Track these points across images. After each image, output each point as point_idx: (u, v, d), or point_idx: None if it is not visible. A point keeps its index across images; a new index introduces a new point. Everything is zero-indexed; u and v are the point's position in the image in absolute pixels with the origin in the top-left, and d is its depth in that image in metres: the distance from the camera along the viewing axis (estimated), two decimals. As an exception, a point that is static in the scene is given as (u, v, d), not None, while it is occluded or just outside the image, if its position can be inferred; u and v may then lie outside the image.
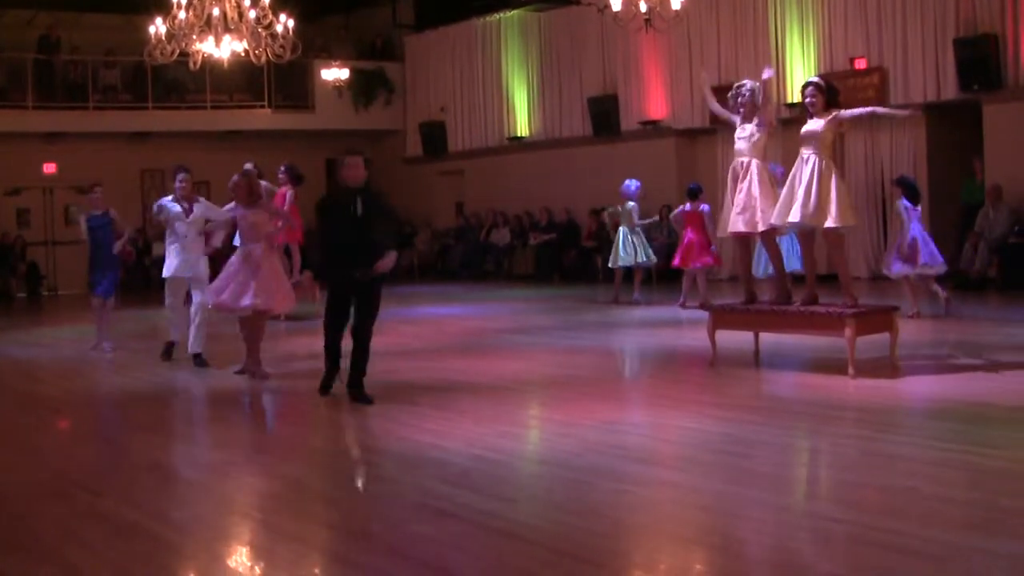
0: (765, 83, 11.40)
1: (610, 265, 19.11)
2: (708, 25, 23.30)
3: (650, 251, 19.02)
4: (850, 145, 21.31)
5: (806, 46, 21.78)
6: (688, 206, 17.43)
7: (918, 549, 5.56)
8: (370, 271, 10.20)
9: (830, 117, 10.77)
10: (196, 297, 13.11)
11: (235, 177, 12.07)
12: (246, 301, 11.54)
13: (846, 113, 10.98)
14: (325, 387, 10.64)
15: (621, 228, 18.80)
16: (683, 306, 17.39)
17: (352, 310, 10.43)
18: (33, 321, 21.15)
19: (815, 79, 11.40)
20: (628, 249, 18.62)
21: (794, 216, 10.71)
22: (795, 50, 21.90)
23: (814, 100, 10.84)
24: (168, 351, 13.55)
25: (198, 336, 13.06)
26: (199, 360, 12.96)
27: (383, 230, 10.49)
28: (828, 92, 10.90)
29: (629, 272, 19.02)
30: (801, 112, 12.23)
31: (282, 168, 18.11)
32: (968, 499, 6.50)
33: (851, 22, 21.14)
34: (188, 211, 13.25)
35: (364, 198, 10.33)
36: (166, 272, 13.39)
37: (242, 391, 11.42)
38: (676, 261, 17.67)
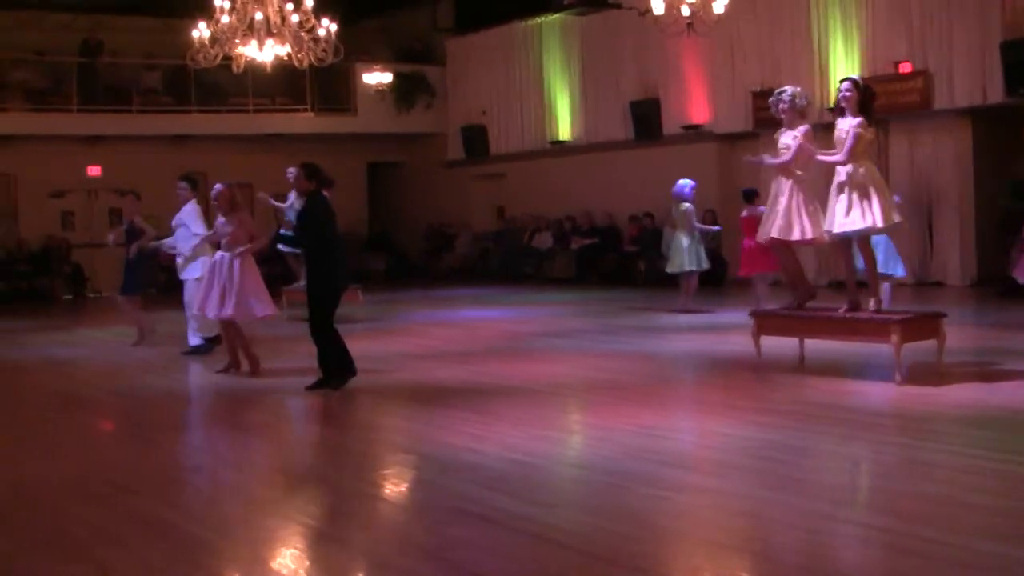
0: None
1: (669, 271, 18.14)
2: (749, 29, 23.15)
3: (704, 256, 18.07)
4: (893, 149, 21.17)
5: (849, 50, 21.59)
6: (745, 211, 16.38)
7: (956, 558, 5.49)
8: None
9: (856, 123, 10.60)
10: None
11: (219, 187, 12.60)
12: (226, 311, 12.27)
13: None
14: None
15: (678, 232, 17.87)
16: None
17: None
18: (75, 322, 21.23)
19: (853, 76, 11.26)
20: (690, 254, 17.68)
21: (843, 226, 10.61)
22: (838, 54, 21.72)
23: (848, 95, 10.68)
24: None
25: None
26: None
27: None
28: (864, 92, 10.75)
29: (675, 278, 18.19)
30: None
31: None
32: (1007, 508, 6.39)
33: (895, 25, 20.93)
34: None
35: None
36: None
37: (276, 392, 11.42)
38: (741, 270, 16.61)
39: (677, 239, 17.85)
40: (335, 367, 11.13)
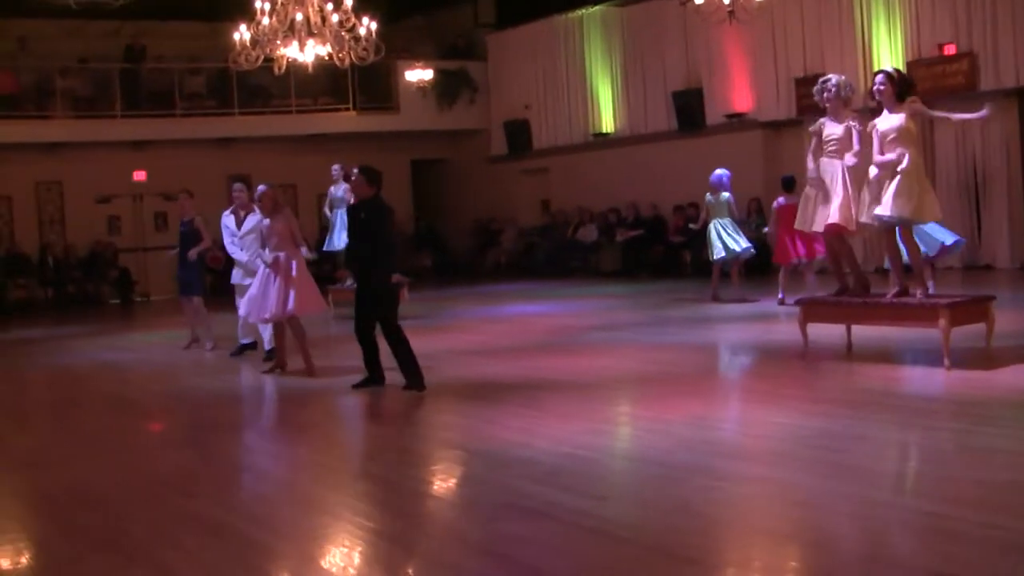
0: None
1: (715, 257, 17.67)
2: (792, 14, 22.98)
3: (745, 240, 17.77)
4: (940, 134, 20.96)
5: (893, 33, 21.40)
6: (783, 199, 16.24)
7: (1016, 543, 5.43)
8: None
9: (911, 110, 10.52)
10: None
11: (262, 187, 12.61)
12: (288, 308, 12.23)
13: (930, 113, 10.77)
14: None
15: (715, 221, 17.62)
16: (783, 303, 16.17)
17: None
18: (125, 326, 21.42)
19: (887, 68, 11.21)
20: (728, 240, 17.41)
21: (883, 211, 10.54)
22: (881, 38, 21.53)
23: (882, 88, 10.58)
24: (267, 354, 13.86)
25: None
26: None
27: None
28: (899, 83, 10.66)
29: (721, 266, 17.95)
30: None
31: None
32: (1070, 492, 6.32)
33: (939, 7, 20.73)
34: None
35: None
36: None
37: (325, 391, 11.45)
38: (804, 254, 16.16)
39: (721, 226, 17.61)
40: (411, 368, 10.90)
